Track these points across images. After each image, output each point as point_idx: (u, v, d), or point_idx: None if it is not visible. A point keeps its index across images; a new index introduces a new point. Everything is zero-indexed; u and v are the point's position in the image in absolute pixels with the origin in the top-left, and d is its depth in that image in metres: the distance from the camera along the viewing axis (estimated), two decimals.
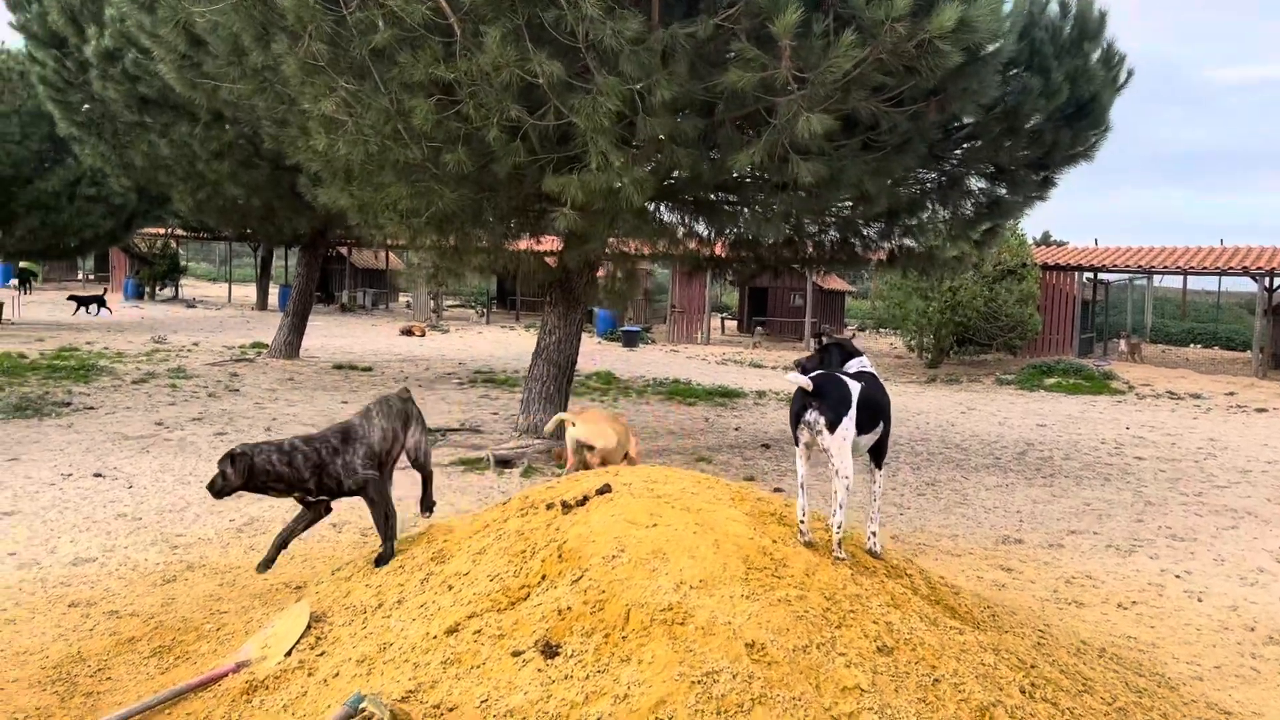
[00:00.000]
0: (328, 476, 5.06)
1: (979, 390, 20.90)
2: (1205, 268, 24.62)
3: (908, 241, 10.56)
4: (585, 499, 4.47)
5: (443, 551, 4.68)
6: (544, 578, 3.79)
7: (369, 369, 20.02)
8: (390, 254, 41.66)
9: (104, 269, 49.80)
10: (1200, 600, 6.93)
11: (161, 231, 41.36)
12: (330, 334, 28.80)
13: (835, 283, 35.39)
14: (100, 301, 31.03)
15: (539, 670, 3.27)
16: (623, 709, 3.03)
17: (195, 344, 23.65)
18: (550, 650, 3.33)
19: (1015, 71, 9.41)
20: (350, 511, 8.29)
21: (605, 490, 4.49)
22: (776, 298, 34.42)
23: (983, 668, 3.59)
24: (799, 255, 10.79)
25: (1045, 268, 25.15)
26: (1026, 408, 18.34)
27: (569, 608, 3.49)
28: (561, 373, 11.24)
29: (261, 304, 38.29)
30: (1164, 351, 30.57)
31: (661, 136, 7.78)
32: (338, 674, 3.91)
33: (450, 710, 3.18)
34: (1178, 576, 7.53)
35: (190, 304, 39.62)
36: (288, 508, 8.32)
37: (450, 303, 41.85)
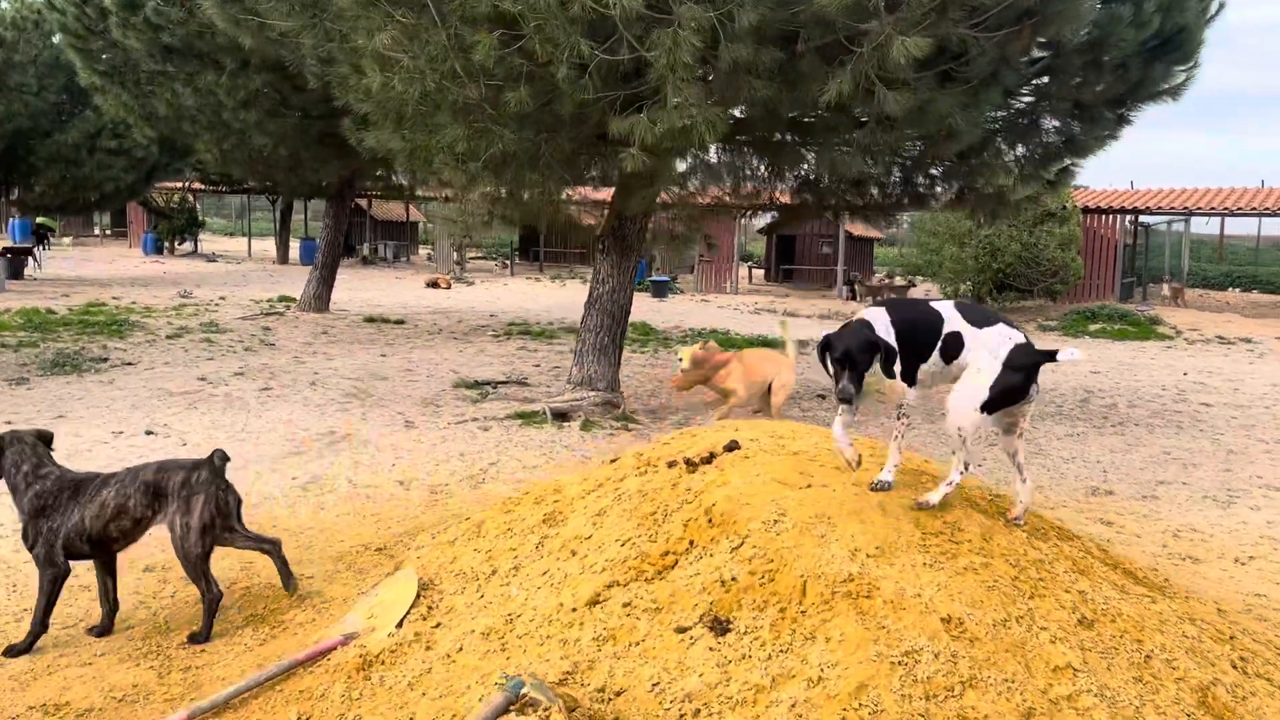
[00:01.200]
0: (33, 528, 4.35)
1: None
2: (1245, 209, 23.98)
3: (978, 181, 10.08)
4: (712, 456, 4.12)
5: (555, 513, 4.35)
6: (691, 544, 3.45)
7: (401, 321, 19.69)
8: (411, 206, 41.17)
9: (121, 224, 49.47)
10: None
11: (179, 185, 40.93)
12: (355, 287, 28.43)
13: (863, 229, 34.80)
14: (30, 254, 28.86)
15: (710, 649, 2.94)
16: (819, 693, 2.70)
17: (222, 298, 23.33)
18: (720, 626, 3.00)
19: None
20: (416, 468, 8.00)
21: (734, 447, 4.14)
22: (804, 245, 33.87)
23: (1187, 640, 3.25)
24: (864, 198, 10.34)
25: (1085, 211, 24.54)
26: None
27: (734, 579, 3.15)
28: (615, 323, 10.87)
29: (282, 257, 37.90)
30: (1202, 295, 29.98)
31: (741, 68, 7.31)
32: (461, 649, 3.60)
33: (618, 695, 2.86)
34: None
35: (210, 258, 39.28)
36: (350, 464, 8.04)
37: (473, 255, 41.37)
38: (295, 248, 38.15)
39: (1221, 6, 9.44)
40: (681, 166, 8.20)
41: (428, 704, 3.22)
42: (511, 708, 2.76)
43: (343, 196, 21.10)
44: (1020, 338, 3.70)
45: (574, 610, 3.41)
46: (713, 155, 9.11)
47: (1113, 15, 8.74)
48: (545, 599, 3.65)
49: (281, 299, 22.92)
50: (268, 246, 45.23)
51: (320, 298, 20.90)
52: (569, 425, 9.91)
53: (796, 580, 3.07)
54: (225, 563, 5.54)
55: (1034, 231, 21.84)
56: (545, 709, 2.69)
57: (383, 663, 3.71)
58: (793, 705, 2.69)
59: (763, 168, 9.68)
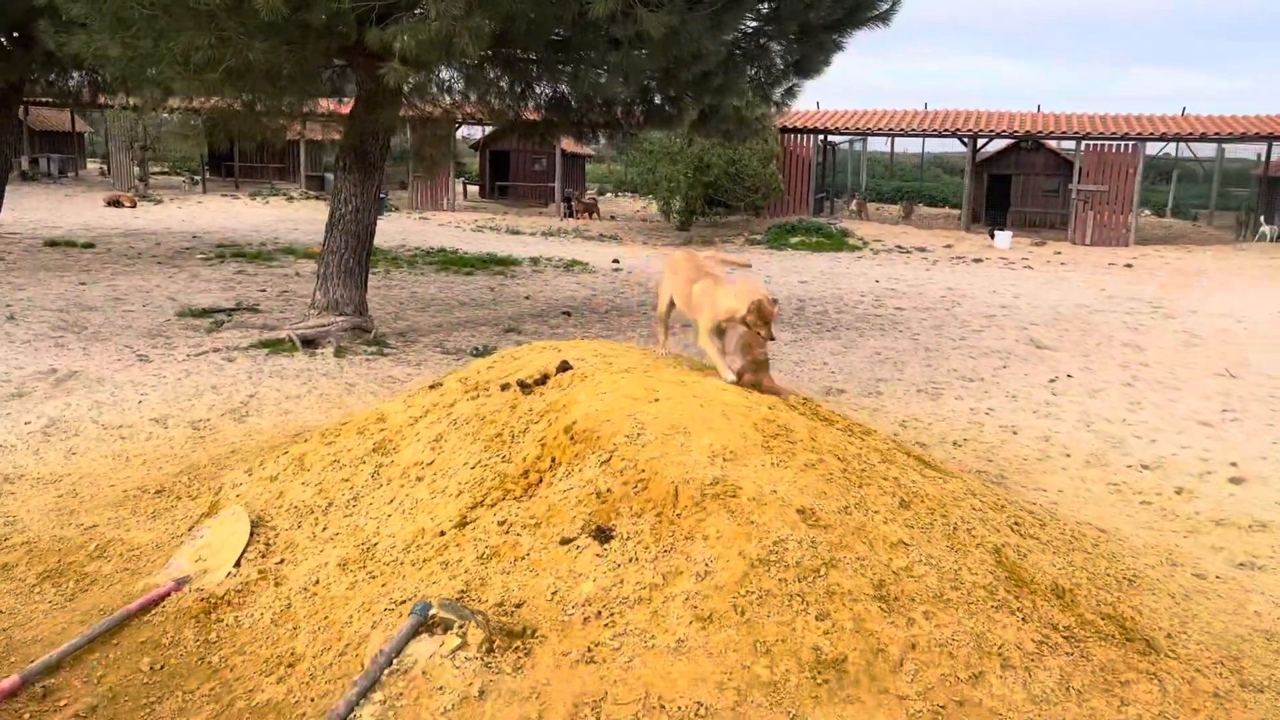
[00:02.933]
0: None
1: (733, 251, 21.73)
2: (918, 130, 26.60)
3: (720, 101, 10.58)
4: (545, 377, 4.26)
5: (385, 442, 4.34)
6: (554, 461, 3.60)
7: (90, 245, 17.85)
8: (75, 116, 36.83)
9: None
10: (1015, 433, 7.72)
11: None
12: (21, 207, 25.23)
13: (575, 147, 35.17)
14: None
15: (598, 555, 3.14)
16: (708, 585, 2.98)
17: None
18: (604, 535, 3.20)
19: None
20: (168, 405, 7.49)
21: (566, 367, 4.29)
22: (519, 162, 33.80)
23: (976, 512, 3.83)
24: (610, 117, 10.56)
25: (783, 130, 26.21)
26: (782, 265, 19.33)
27: (609, 489, 3.34)
28: (360, 244, 10.52)
29: None
30: (878, 208, 33.03)
31: None
32: (318, 581, 3.58)
33: (518, 607, 3.00)
34: (987, 413, 8.32)
35: None
36: (90, 405, 7.39)
37: (156, 170, 37.77)
38: None
39: None
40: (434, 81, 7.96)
41: (306, 637, 3.21)
42: (422, 630, 2.83)
43: (8, 104, 18.56)
44: None
45: (441, 534, 3.48)
46: (468, 70, 8.93)
47: None
48: (400, 525, 3.68)
49: None
50: None
51: None
52: (321, 352, 9.57)
53: (668, 486, 3.31)
54: None
55: (738, 149, 23.10)
56: (460, 626, 2.78)
57: (229, 603, 3.62)
58: (686, 598, 2.95)
59: (512, 84, 9.63)
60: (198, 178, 34.61)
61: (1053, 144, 29.17)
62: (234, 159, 35.17)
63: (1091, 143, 24.59)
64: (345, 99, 10.63)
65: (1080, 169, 24.92)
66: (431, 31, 7.22)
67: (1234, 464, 7.01)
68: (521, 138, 11.18)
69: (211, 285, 13.88)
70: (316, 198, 30.20)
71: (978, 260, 20.97)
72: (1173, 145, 30.43)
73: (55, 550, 4.48)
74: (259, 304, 12.26)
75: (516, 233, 24.09)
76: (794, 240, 22.28)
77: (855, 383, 9.40)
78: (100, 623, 3.58)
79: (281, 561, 3.80)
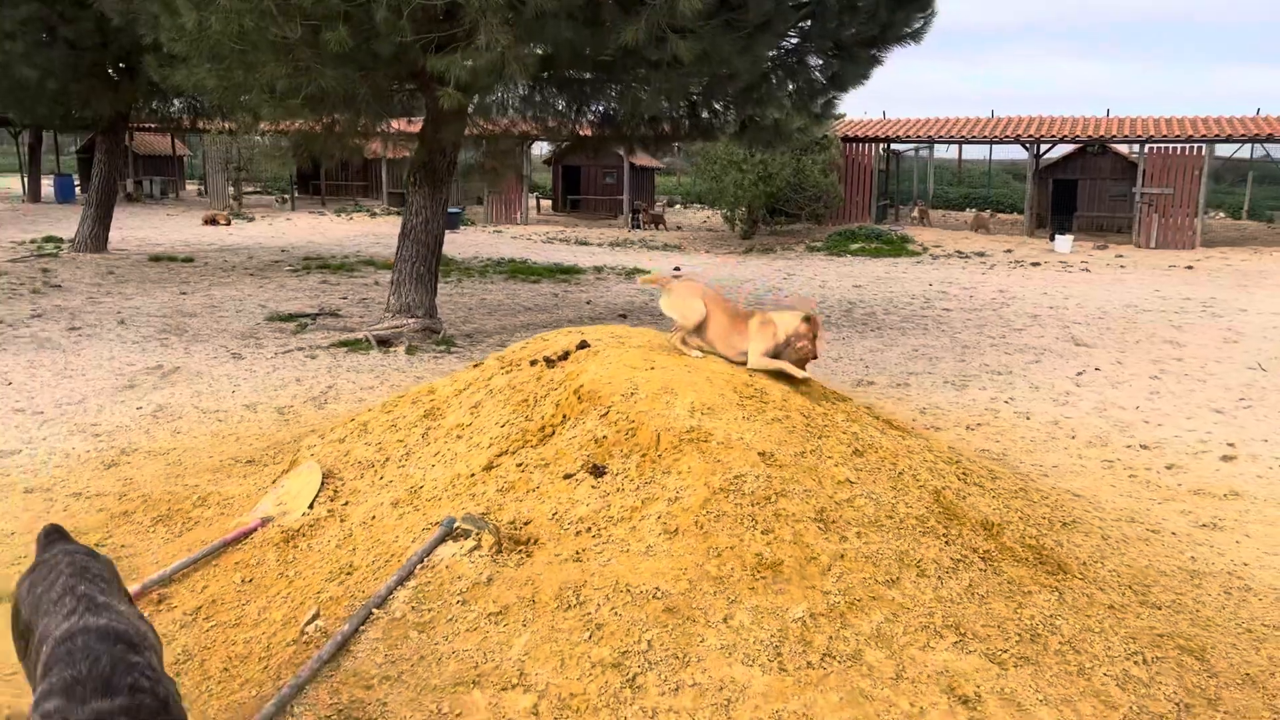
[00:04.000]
0: None
1: (793, 257, 22.33)
2: (985, 136, 26.85)
3: (756, 115, 11.29)
4: (566, 354, 5.02)
5: (433, 409, 5.14)
6: (565, 418, 4.36)
7: (189, 259, 19.26)
8: (175, 140, 39.01)
9: None
10: (1028, 419, 8.25)
11: None
12: (126, 225, 27.07)
13: (644, 159, 36.08)
14: None
15: (593, 487, 3.89)
16: (676, 507, 3.70)
17: None
18: (598, 471, 3.94)
19: None
20: (258, 394, 8.47)
21: (584, 345, 5.05)
22: (589, 176, 34.81)
23: (926, 463, 4.47)
24: (658, 131, 11.34)
25: (845, 140, 26.71)
26: (840, 270, 19.86)
27: (605, 436, 4.09)
28: (430, 252, 11.46)
29: (34, 196, 35.22)
30: (944, 215, 33.23)
31: (547, 13, 8.06)
32: (374, 517, 4.38)
33: (526, 524, 3.76)
34: (1006, 402, 8.85)
35: None
36: (191, 394, 8.40)
37: (249, 189, 39.82)
38: (47, 185, 35.51)
39: None
40: (505, 104, 8.83)
41: (362, 553, 4.01)
42: (447, 538, 3.61)
43: (116, 131, 20.17)
44: None
45: (472, 476, 4.26)
46: (522, 91, 9.79)
47: None
48: (442, 472, 4.47)
49: (48, 239, 21.72)
50: (10, 184, 41.74)
51: (97, 237, 20.03)
52: (394, 351, 10.51)
53: (652, 434, 4.04)
54: (105, 482, 5.99)
55: (800, 159, 23.71)
56: (477, 534, 3.56)
57: (303, 535, 4.44)
58: (659, 517, 3.68)
59: (564, 104, 10.47)
60: (287, 196, 36.39)
61: (1121, 148, 29.08)
62: (320, 178, 36.89)
63: (1155, 145, 24.57)
64: (415, 119, 11.60)
65: (1144, 172, 24.90)
66: (483, 59, 8.09)
67: (1231, 444, 7.45)
68: (577, 151, 11.99)
69: (298, 294, 15.00)
70: (397, 213, 31.57)
71: (1035, 264, 21.21)
72: (1248, 146, 30.06)
73: (165, 500, 5.40)
74: (339, 310, 13.31)
75: (584, 244, 25.02)
76: (854, 247, 22.77)
77: (886, 376, 9.98)
78: (202, 549, 4.44)
79: (346, 504, 4.62)
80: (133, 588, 4.16)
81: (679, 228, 29.24)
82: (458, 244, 24.14)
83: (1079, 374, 10.16)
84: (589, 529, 3.68)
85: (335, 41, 8.13)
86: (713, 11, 8.59)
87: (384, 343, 10.74)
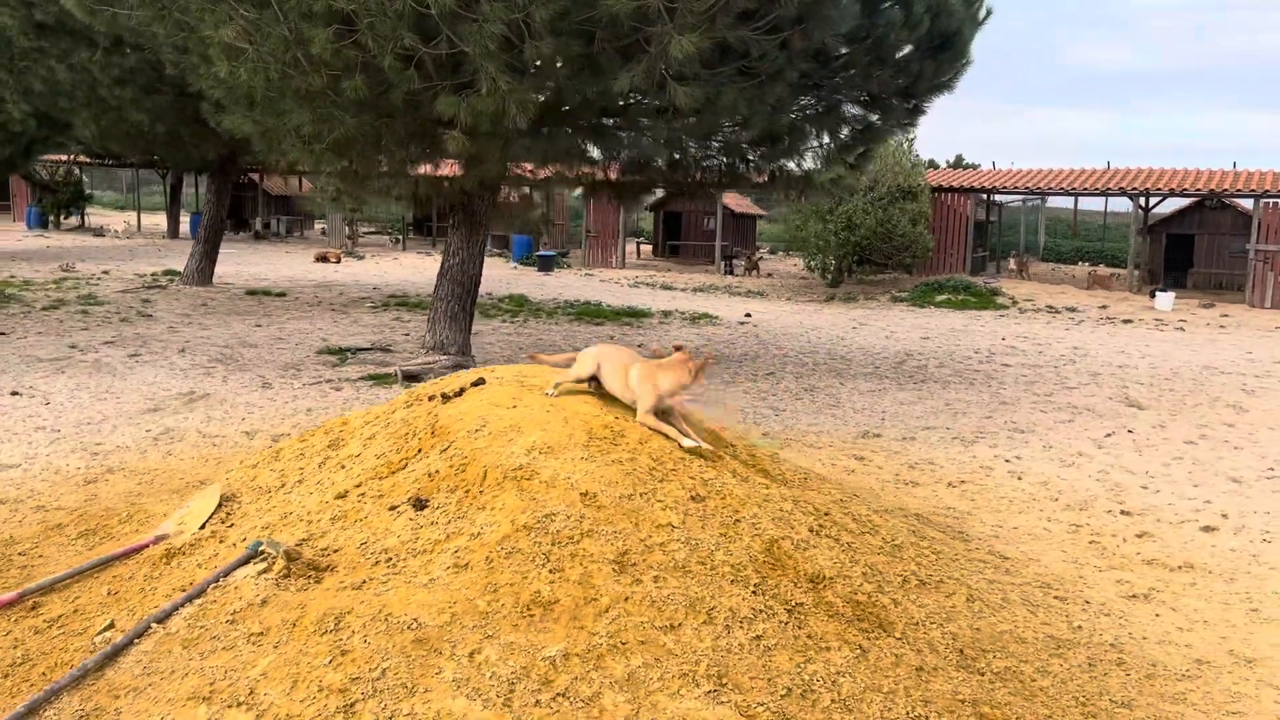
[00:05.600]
0: None
1: (874, 308, 21.99)
2: (1087, 188, 25.94)
3: (787, 165, 11.29)
4: (462, 390, 5.16)
5: (339, 439, 5.35)
6: (419, 451, 4.50)
7: (283, 294, 20.30)
8: (304, 180, 41.18)
9: (4, 197, 48.26)
10: (1020, 479, 7.94)
11: (64, 158, 40.22)
12: (245, 261, 28.74)
13: (748, 206, 36.20)
14: None
15: (410, 519, 4.00)
16: (475, 543, 3.77)
17: (105, 272, 23.53)
18: (420, 504, 4.05)
19: (884, 5, 10.13)
20: (264, 422, 8.89)
21: (480, 382, 5.18)
22: (690, 222, 35.10)
23: (780, 513, 4.41)
24: (687, 178, 11.46)
25: (939, 190, 26.21)
26: (915, 322, 19.46)
27: (437, 471, 4.20)
28: (466, 292, 11.83)
29: (173, 232, 37.71)
30: (1053, 269, 32.12)
31: (544, 60, 8.32)
32: (245, 539, 4.58)
33: (335, 551, 3.89)
34: (1007, 461, 8.54)
35: (99, 232, 38.89)
36: (203, 419, 8.89)
37: (366, 229, 41.67)
38: (185, 221, 37.96)
39: (989, 12, 10.77)
40: (511, 147, 9.12)
41: (204, 573, 4.21)
42: (252, 560, 3.78)
43: (225, 171, 21.51)
44: None
45: (326, 503, 4.43)
46: (547, 135, 10.06)
47: (889, 19, 9.99)
48: (313, 499, 4.65)
49: (167, 273, 23.24)
50: (159, 221, 44.79)
51: (203, 271, 21.34)
52: (417, 386, 10.85)
53: (480, 470, 4.13)
54: (73, 498, 6.41)
55: (887, 208, 23.39)
56: (272, 558, 3.71)
57: (183, 553, 4.67)
58: (455, 551, 3.76)
59: (591, 149, 10.71)
60: (400, 236, 37.92)
61: (1243, 202, 27.62)
62: (433, 219, 38.27)
63: (1272, 200, 23.24)
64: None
65: (1258, 227, 23.57)
66: (484, 104, 8.40)
67: (1224, 515, 7.01)
68: (608, 197, 12.22)
69: (366, 329, 15.64)
70: (497, 254, 32.54)
71: (1127, 321, 20.30)
72: None
73: (98, 516, 5.76)
74: (393, 345, 13.81)
75: (669, 288, 25.22)
76: (939, 298, 22.27)
77: (899, 429, 9.75)
78: (87, 562, 4.73)
79: (231, 525, 4.85)
80: (11, 594, 4.47)
81: (769, 275, 29.16)
82: (546, 286, 24.69)
83: (1107, 435, 9.70)
84: (389, 559, 3.79)
85: (353, 90, 8.58)
86: (714, 60, 8.70)
87: (411, 378, 11.09)
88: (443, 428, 4.50)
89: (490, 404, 4.67)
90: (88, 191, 47.23)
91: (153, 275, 22.74)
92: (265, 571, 3.67)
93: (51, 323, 14.63)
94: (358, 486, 4.46)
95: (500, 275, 27.26)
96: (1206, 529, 6.67)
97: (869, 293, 24.23)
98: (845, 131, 11.20)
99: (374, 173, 9.88)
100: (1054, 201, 35.18)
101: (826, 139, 11.20)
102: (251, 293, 20.24)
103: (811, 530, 4.38)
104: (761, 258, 31.30)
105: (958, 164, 60.20)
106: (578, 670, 3.29)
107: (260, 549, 3.79)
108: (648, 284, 26.17)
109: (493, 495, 4.01)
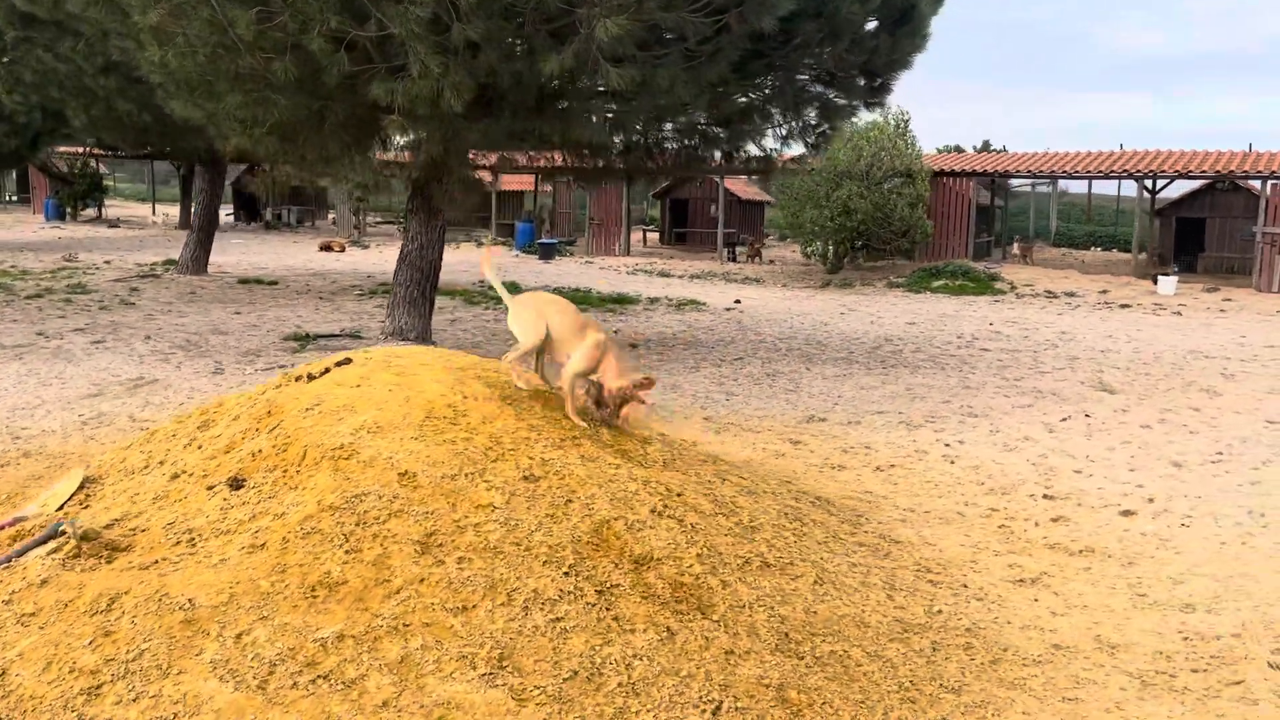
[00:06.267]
0: None
1: (868, 294, 21.73)
2: (1090, 171, 25.46)
3: (747, 145, 11.11)
4: (327, 370, 5.08)
5: (210, 420, 5.28)
6: (256, 431, 4.42)
7: (274, 283, 20.36)
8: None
9: (26, 189, 48.91)
10: (953, 463, 7.76)
11: (80, 151, 40.65)
12: (250, 251, 28.91)
13: (755, 193, 35.91)
14: None
15: (224, 500, 3.92)
16: (278, 523, 3.69)
17: (107, 262, 23.74)
18: (236, 484, 3.97)
19: None
20: (200, 406, 8.88)
21: (345, 362, 5.10)
22: (696, 209, 34.89)
23: (623, 493, 4.29)
24: (646, 161, 11.32)
25: (940, 174, 25.83)
26: (906, 308, 19.19)
27: (260, 450, 4.13)
28: (425, 278, 11.76)
29: (184, 222, 37.94)
30: (1064, 254, 31.62)
31: (475, 40, 8.21)
32: (97, 519, 4.52)
33: (142, 531, 3.82)
34: (947, 445, 8.35)
35: (113, 223, 39.29)
36: (140, 404, 8.88)
37: (377, 219, 41.82)
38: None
39: None
40: (450, 131, 9.02)
41: None
42: (51, 540, 3.72)
43: (217, 161, 21.59)
44: None
45: (161, 484, 4.36)
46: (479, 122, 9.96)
47: None
48: (158, 481, 4.59)
49: (167, 262, 23.39)
50: (176, 211, 45.18)
51: (198, 260, 21.45)
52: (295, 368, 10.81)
53: (301, 449, 4.05)
54: None
55: (884, 192, 23.07)
56: (67, 538, 3.65)
57: (31, 534, 4.63)
58: (255, 531, 3.68)
59: (537, 133, 10.59)
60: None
61: (1256, 184, 27.00)
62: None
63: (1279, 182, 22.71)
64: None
65: (1265, 208, 23.04)
66: (418, 88, 8.30)
67: (1151, 500, 6.81)
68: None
69: (345, 316, 15.63)
70: (502, 242, 32.52)
71: (1125, 306, 19.91)
72: None
73: None
74: (364, 330, 13.78)
75: (665, 275, 25.06)
76: (936, 284, 21.96)
77: (848, 413, 9.58)
78: None
79: (87, 507, 4.80)
80: None
81: (771, 262, 28.90)
82: (543, 274, 24.60)
83: (1062, 420, 9.48)
84: (190, 539, 3.72)
85: (283, 72, 8.51)
86: (651, 42, 8.56)
87: None
88: (278, 407, 4.42)
89: (335, 383, 4.59)
90: (108, 183, 47.74)
91: (151, 265, 22.89)
92: (55, 552, 3.61)
93: (31, 311, 14.73)
94: (197, 467, 4.39)
95: (500, 263, 27.20)
96: (1126, 513, 6.48)
97: (867, 279, 23.94)
98: (806, 111, 11.00)
99: (323, 158, 9.82)
100: (1070, 186, 34.64)
101: (788, 118, 11.01)
102: (244, 281, 20.32)
103: (654, 511, 4.26)
104: (766, 244, 31.04)
105: (984, 148, 59.53)
106: (349, 652, 3.20)
107: (60, 529, 3.73)
108: (646, 271, 26.03)
109: (308, 475, 3.93)
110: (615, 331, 14.88)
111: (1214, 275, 25.81)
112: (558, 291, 20.11)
